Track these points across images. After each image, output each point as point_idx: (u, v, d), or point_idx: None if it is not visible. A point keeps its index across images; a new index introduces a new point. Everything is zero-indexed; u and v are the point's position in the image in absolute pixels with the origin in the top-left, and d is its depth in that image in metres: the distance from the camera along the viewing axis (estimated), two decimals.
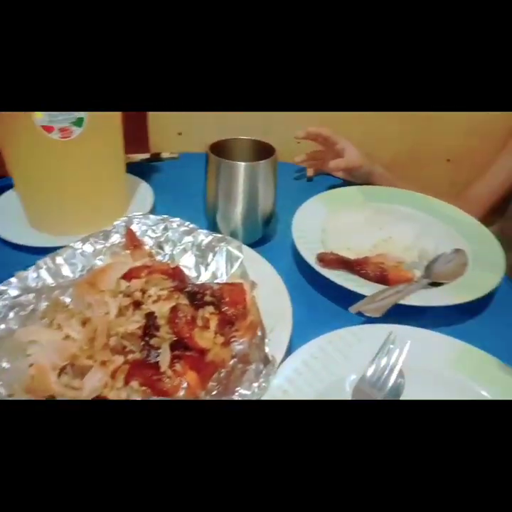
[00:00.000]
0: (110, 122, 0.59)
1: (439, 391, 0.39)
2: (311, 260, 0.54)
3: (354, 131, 0.79)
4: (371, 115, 0.84)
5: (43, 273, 0.48)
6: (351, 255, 0.56)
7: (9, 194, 0.68)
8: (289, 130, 0.95)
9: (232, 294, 0.47)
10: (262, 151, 0.60)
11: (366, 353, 0.43)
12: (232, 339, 0.45)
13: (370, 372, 0.41)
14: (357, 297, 0.49)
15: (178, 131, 0.93)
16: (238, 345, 0.45)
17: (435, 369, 0.43)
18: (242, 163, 0.56)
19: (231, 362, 0.43)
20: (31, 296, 0.45)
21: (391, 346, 0.43)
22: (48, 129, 0.54)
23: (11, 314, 0.43)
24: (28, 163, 0.57)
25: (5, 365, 0.38)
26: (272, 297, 0.48)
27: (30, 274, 0.47)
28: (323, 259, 0.53)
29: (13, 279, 0.46)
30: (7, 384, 0.36)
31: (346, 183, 0.81)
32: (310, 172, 0.84)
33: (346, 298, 0.50)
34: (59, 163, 0.56)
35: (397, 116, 0.88)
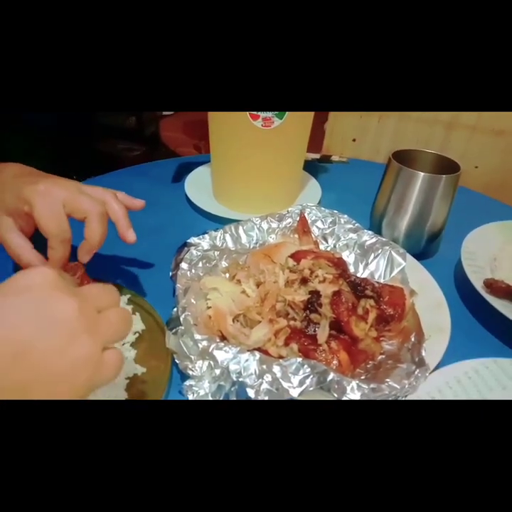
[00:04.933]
0: (305, 120, 0.65)
1: None
2: (477, 284, 0.52)
3: None
4: None
5: (227, 237, 0.56)
6: None
7: (199, 169, 0.80)
8: (467, 148, 0.91)
9: (392, 295, 0.48)
10: (444, 166, 0.60)
11: None
12: (382, 338, 0.47)
13: None
14: None
15: (353, 138, 0.97)
16: (387, 345, 0.46)
17: None
18: (422, 173, 0.57)
19: (379, 357, 0.45)
20: (216, 253, 0.53)
21: None
22: (254, 117, 0.62)
23: (200, 263, 0.51)
24: (229, 144, 0.67)
25: (193, 300, 0.46)
26: (430, 308, 0.48)
27: (219, 235, 0.56)
28: (492, 285, 0.51)
29: (206, 235, 0.54)
30: (194, 315, 0.44)
31: None
32: None
33: (504, 330, 0.47)
34: (255, 148, 0.64)
35: None
